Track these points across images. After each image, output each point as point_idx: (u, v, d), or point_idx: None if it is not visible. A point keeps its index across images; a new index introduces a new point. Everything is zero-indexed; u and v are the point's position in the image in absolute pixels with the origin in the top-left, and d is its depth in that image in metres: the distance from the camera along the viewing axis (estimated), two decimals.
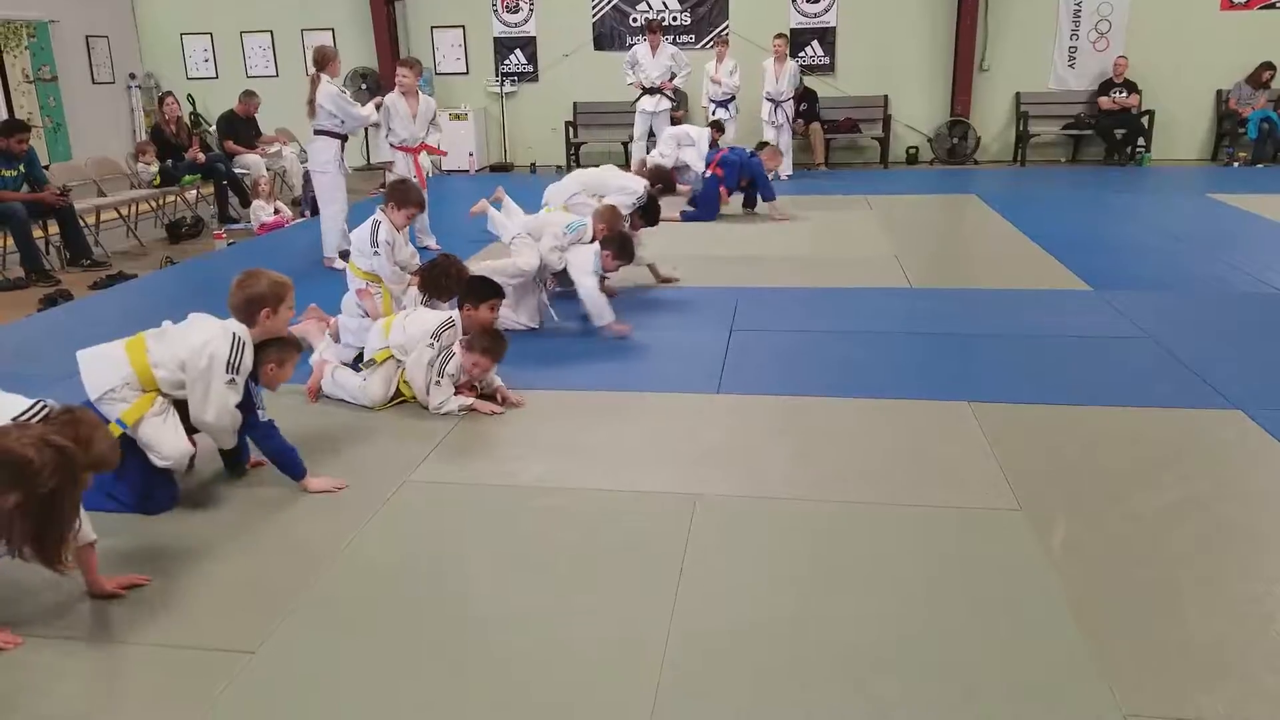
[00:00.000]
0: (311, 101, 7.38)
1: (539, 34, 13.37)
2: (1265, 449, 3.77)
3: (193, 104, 13.69)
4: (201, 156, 10.04)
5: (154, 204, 9.74)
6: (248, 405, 3.45)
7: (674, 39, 12.48)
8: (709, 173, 9.18)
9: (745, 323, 5.64)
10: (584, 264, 5.33)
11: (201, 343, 3.35)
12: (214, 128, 11.53)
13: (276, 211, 9.62)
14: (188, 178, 9.91)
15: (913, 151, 12.94)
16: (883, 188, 10.70)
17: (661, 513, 3.33)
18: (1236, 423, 4.01)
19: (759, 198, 9.12)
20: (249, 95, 10.96)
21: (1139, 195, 9.83)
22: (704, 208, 9.14)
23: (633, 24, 13.13)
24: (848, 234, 8.31)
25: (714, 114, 11.42)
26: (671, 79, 11.60)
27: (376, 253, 4.96)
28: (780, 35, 11.74)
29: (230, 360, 3.33)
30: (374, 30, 13.38)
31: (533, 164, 13.42)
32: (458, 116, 13.05)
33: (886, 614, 2.74)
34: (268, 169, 10.65)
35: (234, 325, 3.43)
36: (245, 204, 10.06)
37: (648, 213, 6.33)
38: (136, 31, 14.25)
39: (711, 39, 12.74)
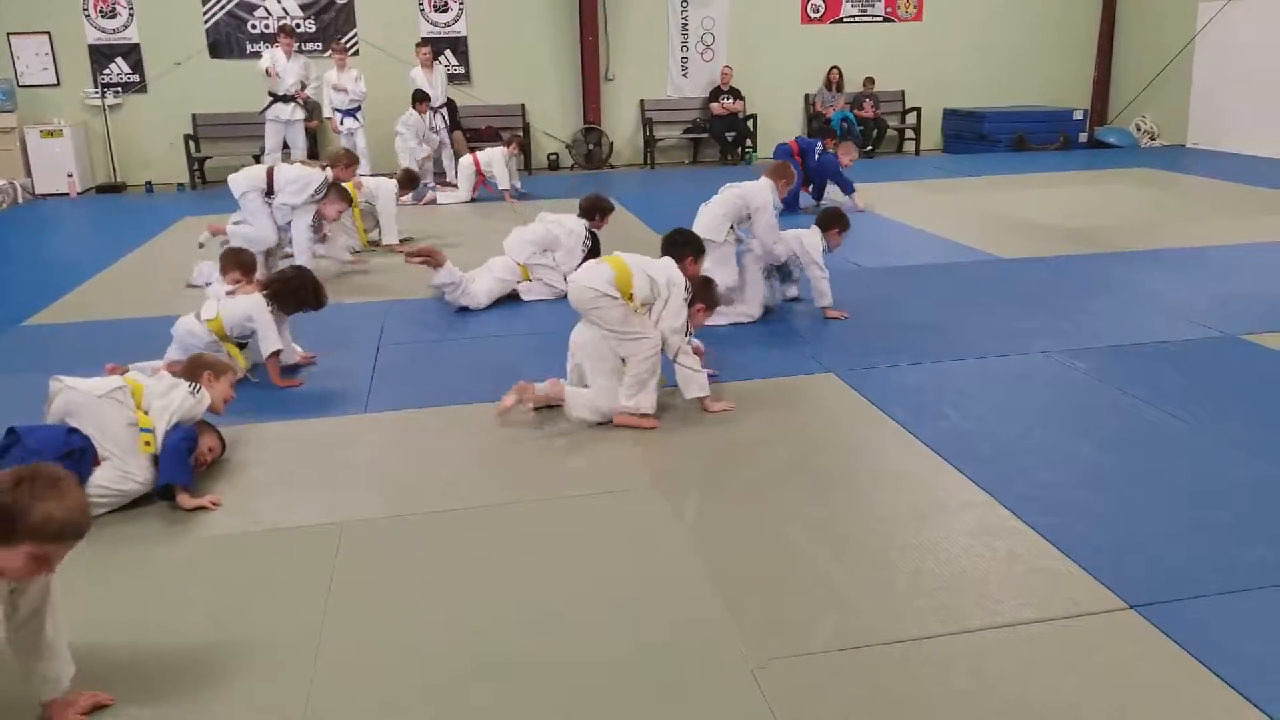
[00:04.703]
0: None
1: (143, 41, 12.16)
2: (852, 402, 4.39)
3: None
4: None
5: None
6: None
7: (299, 46, 11.92)
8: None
9: (394, 337, 5.55)
10: (816, 245, 5.59)
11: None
12: None
13: None
14: None
15: (553, 158, 13.40)
16: (526, 193, 10.96)
17: (303, 547, 3.20)
18: (830, 383, 4.62)
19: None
20: None
21: None
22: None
23: (252, 30, 12.38)
24: (496, 241, 8.42)
25: (341, 123, 11.13)
26: (303, 88, 11.14)
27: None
28: (423, 42, 11.69)
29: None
30: None
31: (148, 182, 12.20)
32: (51, 134, 11.56)
33: (535, 600, 2.84)
34: None
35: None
36: None
37: (595, 249, 6.36)
38: None
39: (352, 47, 12.35)
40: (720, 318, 5.41)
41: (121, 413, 3.44)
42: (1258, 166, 11.51)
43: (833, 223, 5.76)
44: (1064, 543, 3.10)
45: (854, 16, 13.95)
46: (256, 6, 12.38)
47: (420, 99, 10.86)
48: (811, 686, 2.46)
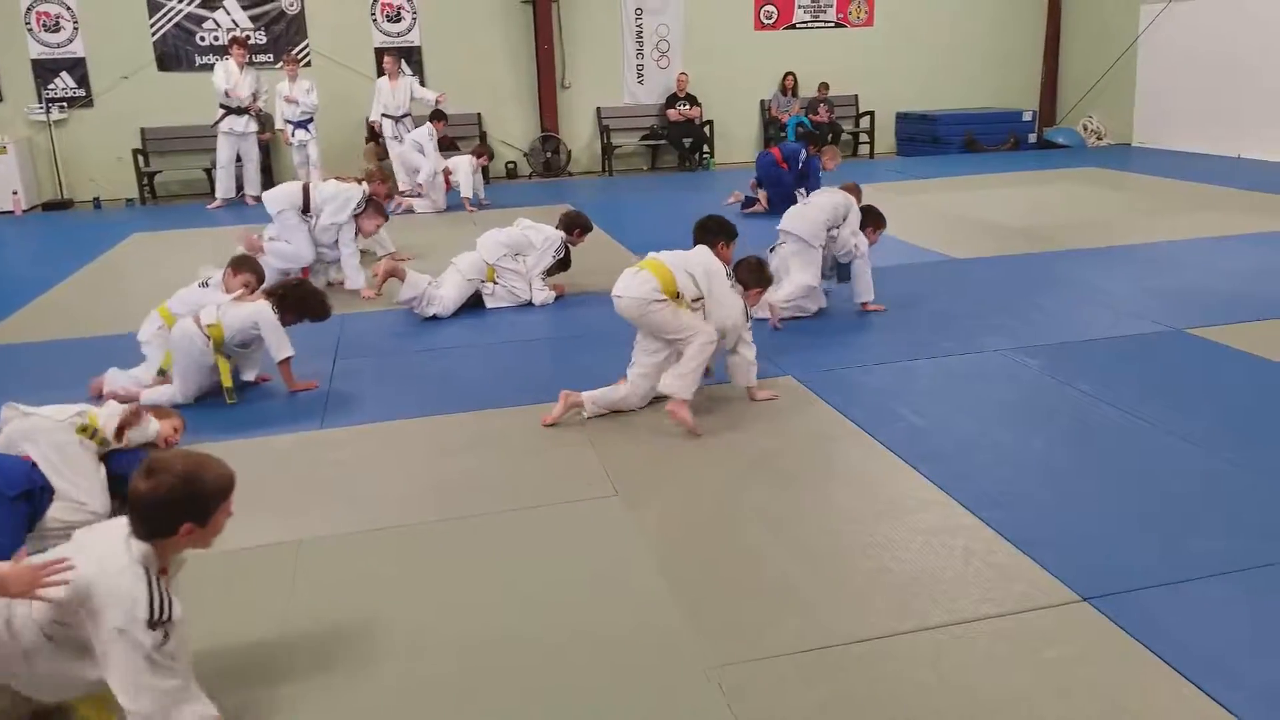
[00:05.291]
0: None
1: (89, 55, 11.96)
2: (811, 405, 4.43)
3: None
4: None
5: None
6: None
7: (251, 58, 11.81)
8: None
9: (350, 350, 5.50)
10: (864, 243, 5.80)
11: None
12: None
13: None
14: None
15: (511, 166, 13.38)
16: (489, 203, 10.93)
17: (259, 568, 3.15)
18: (789, 386, 4.65)
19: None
20: None
21: (706, 195, 10.96)
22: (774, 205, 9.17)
23: (200, 43, 12.23)
24: (455, 252, 8.39)
25: (293, 135, 11.06)
26: (255, 100, 11.07)
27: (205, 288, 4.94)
28: (389, 53, 11.66)
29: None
30: None
31: (96, 199, 11.98)
32: None
33: (496, 610, 2.84)
34: None
35: None
36: None
37: (564, 261, 6.50)
38: None
39: (304, 58, 12.25)
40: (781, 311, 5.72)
41: (79, 438, 3.37)
42: (1200, 163, 11.79)
43: (870, 220, 5.93)
44: (1018, 537, 3.15)
45: (807, 23, 14.10)
46: (205, 19, 12.24)
47: (437, 117, 10.75)
48: (773, 689, 2.47)
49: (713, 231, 4.63)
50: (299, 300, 4.69)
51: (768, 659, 2.59)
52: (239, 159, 11.27)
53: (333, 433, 4.31)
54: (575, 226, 6.56)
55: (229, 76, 10.95)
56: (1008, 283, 6.52)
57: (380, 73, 11.73)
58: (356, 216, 6.79)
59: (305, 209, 6.73)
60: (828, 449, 4.03)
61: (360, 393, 4.82)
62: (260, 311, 4.64)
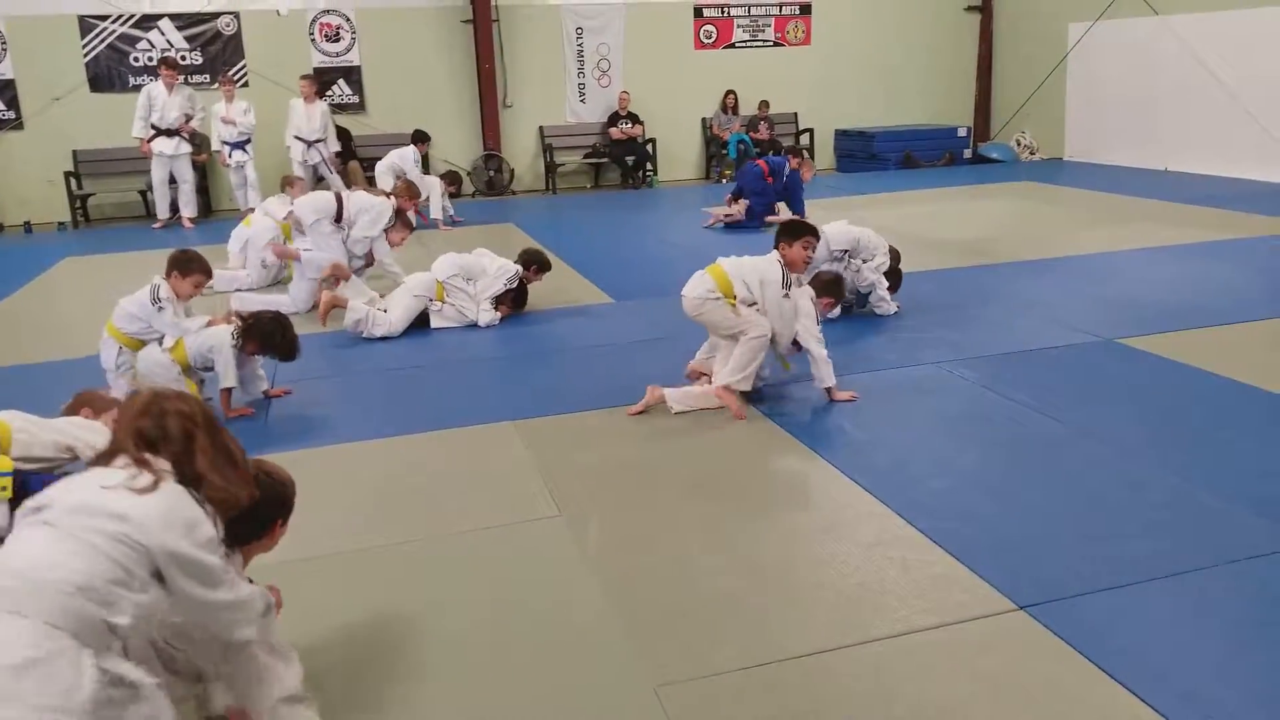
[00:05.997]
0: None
1: (17, 76, 11.67)
2: (753, 420, 4.46)
3: None
4: None
5: None
6: None
7: (186, 79, 11.63)
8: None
9: (289, 373, 5.40)
10: (882, 283, 6.12)
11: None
12: None
13: None
14: None
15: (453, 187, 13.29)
16: (461, 220, 10.86)
17: None
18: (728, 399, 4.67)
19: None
20: None
21: (649, 214, 11.07)
22: (757, 216, 9.49)
23: (134, 63, 12.00)
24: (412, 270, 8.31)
25: (230, 156, 10.92)
26: (188, 120, 10.89)
27: (161, 309, 4.70)
28: (305, 76, 11.50)
29: None
30: None
31: (26, 223, 11.65)
32: None
33: (441, 632, 2.81)
34: None
35: None
36: None
37: (519, 296, 6.52)
38: None
39: (241, 79, 12.08)
40: None
41: None
42: (1129, 176, 12.17)
43: (891, 279, 6.22)
44: (956, 548, 3.20)
45: (746, 42, 14.29)
46: (139, 39, 12.02)
47: (420, 139, 10.98)
48: (718, 705, 2.48)
49: (789, 233, 4.74)
50: (264, 334, 4.69)
51: (713, 676, 2.59)
52: (173, 180, 11.09)
53: (273, 458, 4.21)
54: (533, 263, 6.63)
55: (150, 104, 10.79)
56: (945, 296, 6.64)
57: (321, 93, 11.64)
58: (385, 230, 6.95)
59: (338, 219, 6.85)
60: (770, 463, 4.06)
61: (301, 416, 4.76)
62: (217, 336, 4.66)
